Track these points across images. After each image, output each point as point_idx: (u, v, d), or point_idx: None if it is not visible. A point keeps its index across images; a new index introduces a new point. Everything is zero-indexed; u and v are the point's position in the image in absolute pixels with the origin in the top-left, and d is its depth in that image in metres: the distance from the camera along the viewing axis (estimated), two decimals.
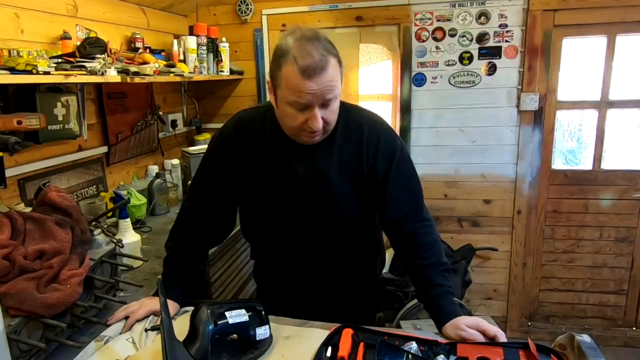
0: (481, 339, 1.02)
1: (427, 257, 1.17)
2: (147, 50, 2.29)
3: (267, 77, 1.17)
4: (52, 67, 1.40)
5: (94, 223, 1.37)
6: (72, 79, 1.48)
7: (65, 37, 1.75)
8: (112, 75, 1.66)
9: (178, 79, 2.21)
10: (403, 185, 1.22)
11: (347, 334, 1.03)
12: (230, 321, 0.99)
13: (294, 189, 1.22)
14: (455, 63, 2.73)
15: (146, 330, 1.10)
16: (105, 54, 1.72)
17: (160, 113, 2.56)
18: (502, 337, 1.02)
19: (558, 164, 2.86)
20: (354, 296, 1.38)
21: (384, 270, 1.60)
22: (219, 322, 0.97)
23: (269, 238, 1.33)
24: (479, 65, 2.70)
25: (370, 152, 1.20)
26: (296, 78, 1.04)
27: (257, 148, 1.24)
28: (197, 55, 2.50)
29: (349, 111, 1.25)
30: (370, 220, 1.30)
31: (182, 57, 2.44)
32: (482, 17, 2.65)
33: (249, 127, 1.26)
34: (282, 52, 1.07)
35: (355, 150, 1.21)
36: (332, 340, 1.02)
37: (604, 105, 2.68)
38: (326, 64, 1.05)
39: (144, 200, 2.16)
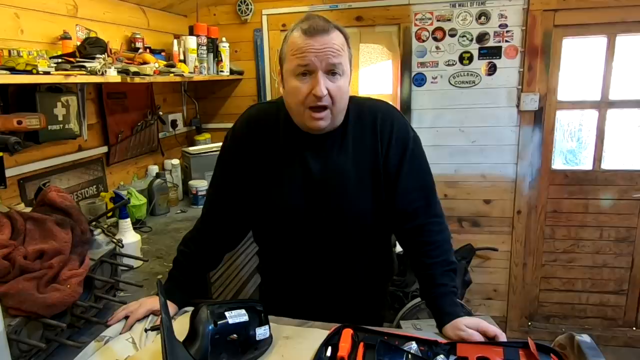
0: (480, 338, 1.02)
1: (435, 255, 1.15)
2: (147, 50, 2.29)
3: (277, 67, 1.19)
4: (52, 67, 1.40)
5: (94, 223, 1.37)
6: (72, 79, 1.48)
7: (65, 37, 1.75)
8: (112, 75, 1.66)
9: (178, 79, 2.21)
10: (416, 177, 1.20)
11: (347, 334, 1.03)
12: (230, 321, 0.99)
13: (308, 186, 1.18)
14: (455, 63, 2.73)
15: (146, 330, 1.10)
16: (105, 54, 1.72)
17: (160, 113, 2.56)
18: (502, 337, 1.02)
19: (558, 164, 2.86)
20: (361, 302, 1.33)
21: None
22: (218, 322, 0.97)
23: (281, 239, 1.28)
24: (479, 65, 2.70)
25: (384, 140, 1.17)
26: (299, 38, 1.07)
27: (270, 144, 1.20)
28: (197, 55, 2.50)
29: (360, 104, 1.23)
30: (385, 220, 1.24)
31: (182, 57, 2.44)
32: (482, 17, 2.65)
33: (261, 123, 1.22)
34: (289, 30, 1.11)
35: (369, 141, 1.18)
36: (332, 340, 1.02)
37: (604, 105, 2.69)
38: (330, 30, 1.07)
39: (144, 200, 2.16)
